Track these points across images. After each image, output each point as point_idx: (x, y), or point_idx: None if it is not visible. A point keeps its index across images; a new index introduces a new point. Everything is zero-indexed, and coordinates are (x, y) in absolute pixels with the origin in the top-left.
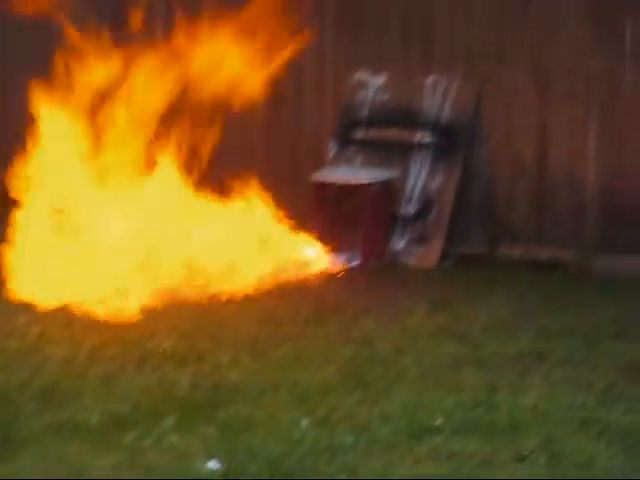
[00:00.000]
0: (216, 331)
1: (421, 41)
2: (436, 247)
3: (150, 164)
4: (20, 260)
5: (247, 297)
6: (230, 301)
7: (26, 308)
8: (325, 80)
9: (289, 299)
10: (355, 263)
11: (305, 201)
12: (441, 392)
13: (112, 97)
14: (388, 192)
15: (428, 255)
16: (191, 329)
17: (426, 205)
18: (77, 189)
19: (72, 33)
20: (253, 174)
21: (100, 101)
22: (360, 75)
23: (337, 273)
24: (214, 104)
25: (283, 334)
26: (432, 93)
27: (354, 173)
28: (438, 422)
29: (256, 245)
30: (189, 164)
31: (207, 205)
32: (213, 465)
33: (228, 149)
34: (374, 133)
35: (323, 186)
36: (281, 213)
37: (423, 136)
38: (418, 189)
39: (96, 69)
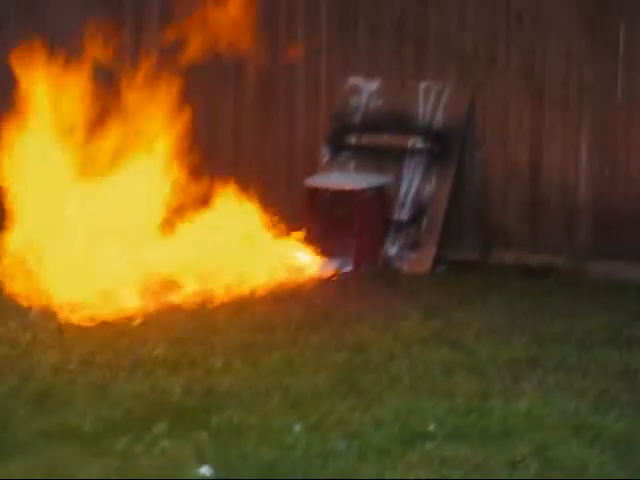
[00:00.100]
0: (208, 337)
1: (414, 47)
2: (429, 253)
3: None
4: (10, 262)
5: (240, 303)
6: (222, 307)
7: (17, 313)
8: (318, 85)
9: (282, 305)
10: (348, 269)
11: (298, 206)
12: (434, 398)
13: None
14: (381, 198)
15: (421, 261)
16: (183, 335)
17: (419, 211)
18: (58, 187)
19: None
20: (246, 179)
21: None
22: (353, 81)
23: (330, 278)
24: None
25: (276, 340)
26: (425, 99)
27: (347, 178)
28: (431, 428)
29: (249, 250)
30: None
31: (199, 211)
32: (205, 471)
33: (221, 154)
34: (367, 138)
35: (316, 191)
36: (274, 218)
37: (416, 142)
38: (411, 195)
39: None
